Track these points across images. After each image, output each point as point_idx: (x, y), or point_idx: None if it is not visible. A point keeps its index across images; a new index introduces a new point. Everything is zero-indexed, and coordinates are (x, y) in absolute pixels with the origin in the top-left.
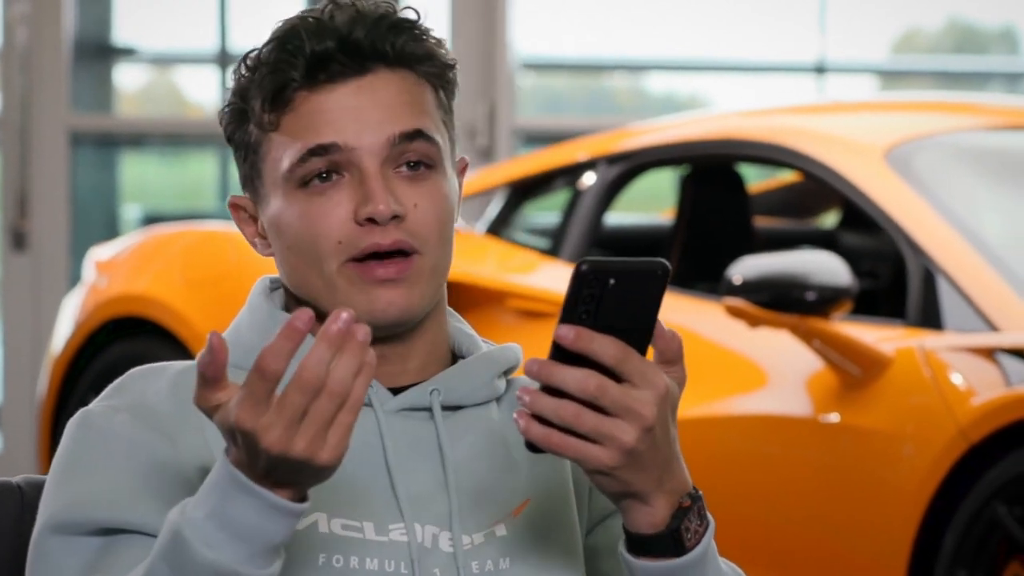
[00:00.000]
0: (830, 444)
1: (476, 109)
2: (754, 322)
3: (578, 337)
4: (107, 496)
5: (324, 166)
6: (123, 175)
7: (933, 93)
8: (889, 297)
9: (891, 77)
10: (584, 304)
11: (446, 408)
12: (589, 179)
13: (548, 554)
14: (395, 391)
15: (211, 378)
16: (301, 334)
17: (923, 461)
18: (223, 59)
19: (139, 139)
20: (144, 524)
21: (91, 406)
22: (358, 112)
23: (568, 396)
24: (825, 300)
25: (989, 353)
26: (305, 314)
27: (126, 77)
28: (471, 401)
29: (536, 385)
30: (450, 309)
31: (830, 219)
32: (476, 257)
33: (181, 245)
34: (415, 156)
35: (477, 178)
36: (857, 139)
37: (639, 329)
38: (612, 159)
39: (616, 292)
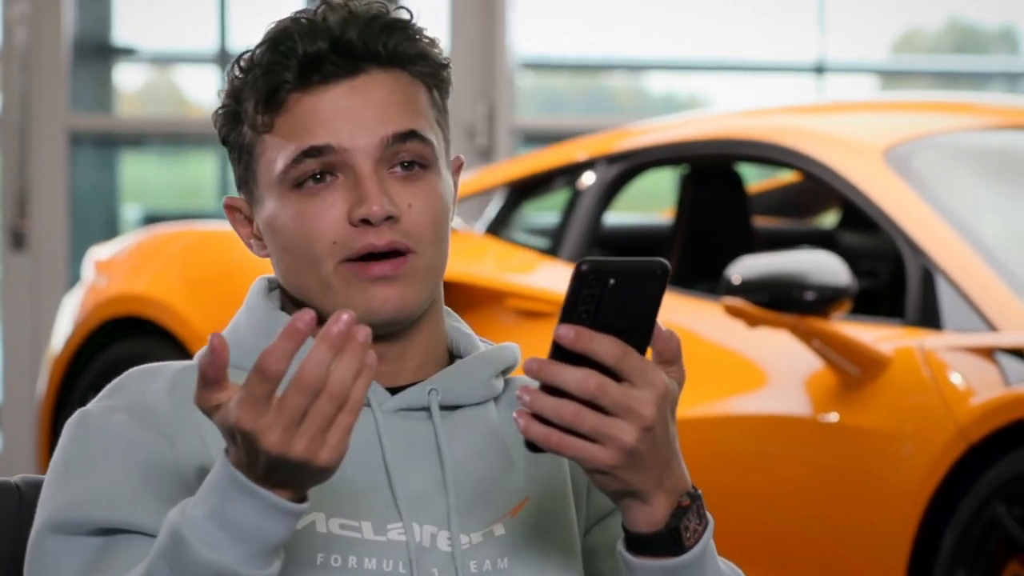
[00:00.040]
0: (829, 444)
1: (475, 109)
2: (753, 322)
3: (578, 337)
4: (105, 496)
5: (318, 167)
6: (123, 175)
7: (933, 93)
8: (888, 297)
9: (891, 77)
10: (584, 304)
11: (444, 408)
12: (588, 179)
13: (546, 554)
14: (393, 391)
15: (212, 378)
16: (303, 335)
17: (922, 461)
18: (223, 59)
19: (139, 139)
20: (142, 524)
21: (89, 406)
22: (351, 113)
23: (568, 395)
24: (824, 300)
25: (988, 353)
26: (307, 315)
27: (126, 77)
28: (469, 401)
29: (535, 384)
30: (448, 308)
31: (829, 219)
32: (475, 257)
33: (180, 245)
34: (409, 156)
35: (476, 178)
36: (856, 139)
37: (639, 329)
38: (611, 159)
39: (616, 292)
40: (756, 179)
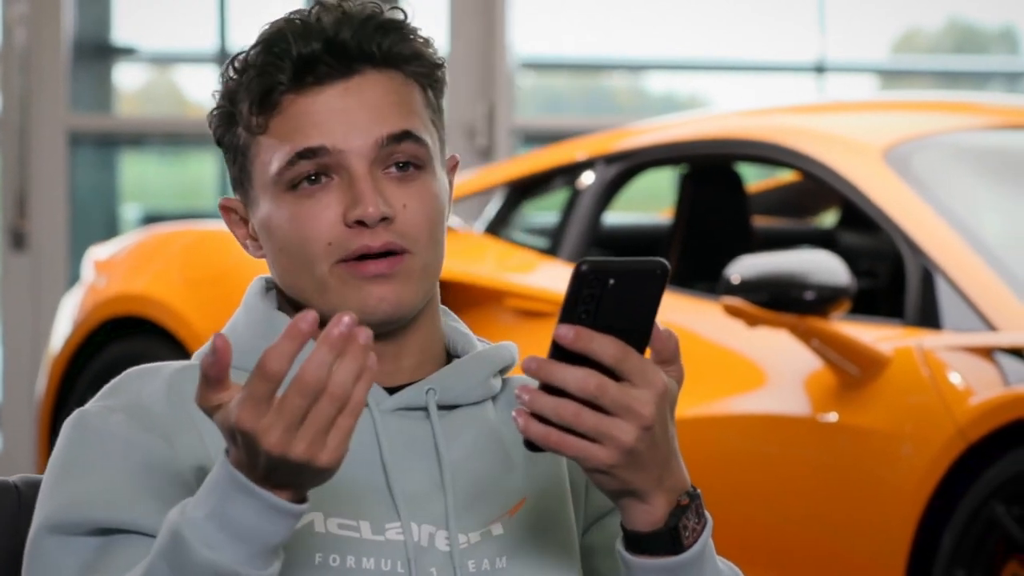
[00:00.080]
0: (828, 443)
1: (475, 109)
2: (753, 321)
3: (578, 337)
4: (104, 496)
5: (313, 169)
6: (123, 175)
7: (933, 93)
8: (888, 296)
9: (891, 77)
10: (584, 304)
11: (442, 407)
12: (588, 179)
13: (545, 553)
14: (390, 390)
15: (214, 378)
16: (305, 336)
17: (921, 460)
18: (223, 59)
19: (139, 139)
20: (141, 524)
21: (87, 406)
22: (346, 114)
23: (567, 395)
24: (824, 299)
25: (987, 352)
26: (309, 316)
27: (126, 77)
28: (467, 400)
29: (533, 383)
30: (445, 308)
31: (829, 219)
32: (475, 256)
33: (180, 245)
34: (404, 157)
35: (476, 178)
36: (856, 139)
37: (638, 329)
38: (611, 159)
39: (616, 292)
40: (756, 179)
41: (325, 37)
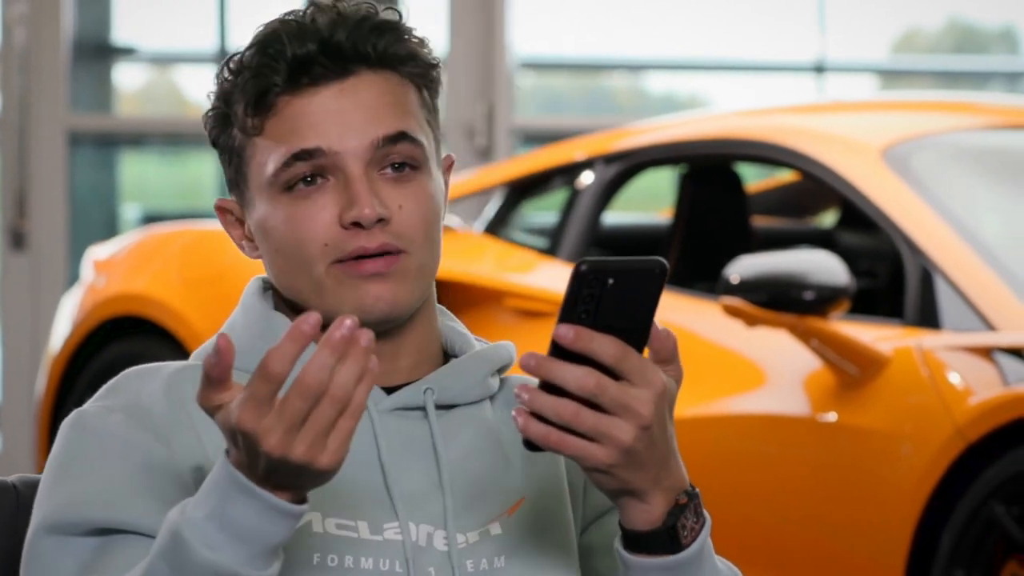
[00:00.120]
0: (828, 443)
1: (475, 109)
2: (752, 321)
3: (578, 336)
4: (102, 496)
5: (308, 170)
6: (122, 175)
7: (932, 93)
8: (887, 296)
9: (891, 77)
10: (583, 304)
11: (440, 407)
12: (587, 178)
13: (543, 553)
14: (388, 390)
15: (216, 379)
16: (308, 337)
17: (921, 460)
18: (223, 59)
19: (139, 139)
20: (140, 524)
21: (85, 407)
22: (341, 115)
23: (566, 394)
24: (823, 299)
25: (987, 352)
26: (312, 317)
27: (125, 77)
28: (465, 400)
29: (531, 382)
30: (443, 308)
31: (828, 219)
32: (474, 256)
33: (179, 244)
34: (399, 158)
35: (475, 177)
36: (855, 138)
37: (637, 328)
38: (610, 158)
39: (615, 291)
40: (755, 179)
41: (320, 38)
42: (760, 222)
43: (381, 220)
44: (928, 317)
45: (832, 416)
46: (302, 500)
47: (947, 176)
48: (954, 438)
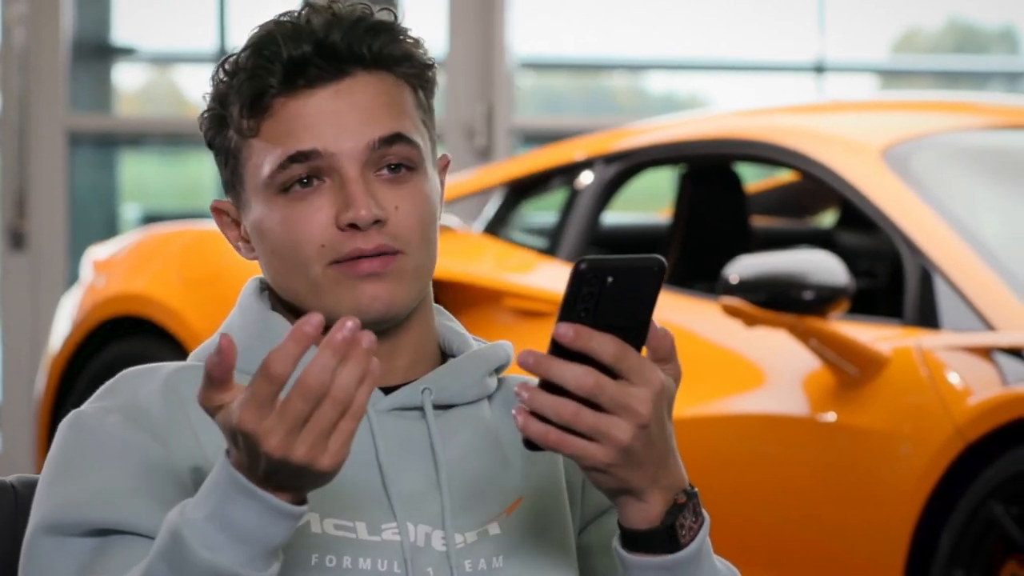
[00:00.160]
0: (827, 443)
1: (474, 109)
2: (751, 321)
3: (577, 335)
4: (101, 496)
5: (304, 172)
6: (122, 175)
7: (932, 93)
8: (886, 296)
9: (891, 77)
10: (583, 303)
11: (437, 407)
12: (586, 178)
13: (541, 552)
14: (385, 391)
15: (217, 379)
16: (310, 339)
17: (920, 460)
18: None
19: (138, 139)
20: (138, 524)
21: (83, 407)
22: (337, 117)
23: (565, 393)
24: (822, 299)
25: (986, 352)
26: (314, 318)
27: (125, 77)
28: (462, 399)
29: (529, 382)
30: (440, 307)
31: (828, 219)
32: (473, 256)
33: (179, 244)
34: (395, 159)
35: (475, 178)
36: (855, 138)
37: (636, 326)
38: (609, 158)
39: (614, 290)
40: (754, 179)
41: (315, 39)
42: (760, 222)
43: (377, 221)
44: (927, 317)
45: (831, 416)
46: (302, 501)
47: (947, 176)
48: (953, 438)
